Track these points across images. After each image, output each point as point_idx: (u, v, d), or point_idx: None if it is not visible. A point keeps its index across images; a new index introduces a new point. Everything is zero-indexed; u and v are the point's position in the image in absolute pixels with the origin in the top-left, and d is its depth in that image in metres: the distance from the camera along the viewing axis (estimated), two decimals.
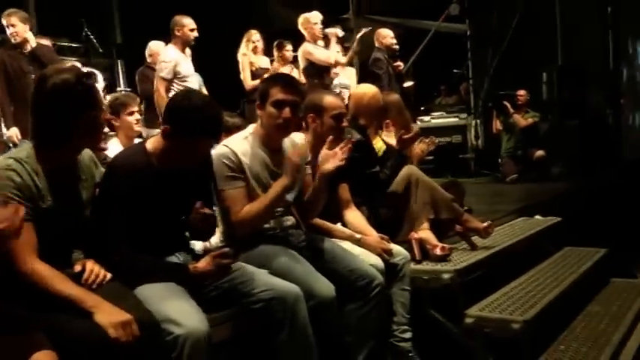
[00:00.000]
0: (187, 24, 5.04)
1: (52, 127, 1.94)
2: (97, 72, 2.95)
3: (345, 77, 6.12)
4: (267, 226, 2.55)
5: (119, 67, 7.39)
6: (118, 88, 7.17)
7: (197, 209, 2.24)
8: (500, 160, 7.61)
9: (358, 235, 2.83)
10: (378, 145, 3.50)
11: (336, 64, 5.76)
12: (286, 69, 6.01)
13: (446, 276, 2.93)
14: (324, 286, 2.32)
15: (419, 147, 3.73)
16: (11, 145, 4.45)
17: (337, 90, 5.66)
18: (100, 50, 6.77)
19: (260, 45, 6.09)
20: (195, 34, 5.09)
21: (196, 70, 5.34)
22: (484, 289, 3.17)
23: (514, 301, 3.01)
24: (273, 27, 6.88)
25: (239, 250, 2.41)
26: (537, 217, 4.55)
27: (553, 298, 3.11)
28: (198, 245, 2.68)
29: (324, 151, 2.56)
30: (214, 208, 2.47)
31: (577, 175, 6.80)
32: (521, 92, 7.53)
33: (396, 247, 2.86)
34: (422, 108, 8.48)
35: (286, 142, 2.64)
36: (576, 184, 6.27)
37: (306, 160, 2.69)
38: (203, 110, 2.12)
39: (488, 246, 3.44)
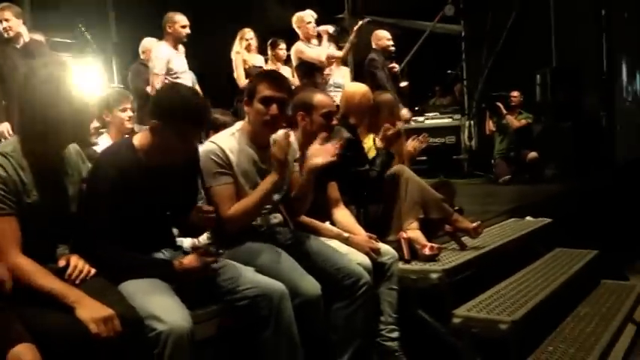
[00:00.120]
0: (179, 20, 5.05)
1: (37, 120, 1.93)
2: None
3: (339, 77, 6.10)
4: (254, 223, 2.54)
5: (113, 64, 7.37)
6: (112, 85, 7.15)
7: (199, 208, 2.25)
8: (493, 161, 7.61)
9: (346, 234, 2.83)
10: (369, 144, 3.49)
11: (330, 59, 5.75)
12: (286, 70, 6.03)
13: (434, 276, 2.93)
14: (310, 285, 2.32)
15: (411, 145, 3.73)
16: (2, 140, 4.43)
17: (331, 89, 5.66)
18: (95, 46, 6.75)
19: (254, 43, 6.09)
20: (187, 30, 5.09)
21: (193, 69, 5.34)
22: (474, 289, 3.16)
23: (503, 302, 3.00)
24: (270, 26, 6.88)
25: (225, 247, 2.41)
26: (528, 218, 4.55)
27: (542, 298, 3.10)
28: (187, 242, 2.68)
29: (315, 146, 2.55)
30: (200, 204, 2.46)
31: (570, 177, 6.81)
32: (515, 93, 7.54)
33: (384, 247, 2.86)
34: (416, 108, 8.48)
35: (273, 139, 2.63)
36: (569, 186, 6.28)
37: (295, 157, 2.68)
38: (188, 99, 2.14)
39: (478, 246, 3.44)
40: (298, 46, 5.65)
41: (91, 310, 1.76)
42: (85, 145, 2.50)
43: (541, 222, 4.40)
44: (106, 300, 1.83)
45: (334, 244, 2.74)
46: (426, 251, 3.09)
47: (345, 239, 2.80)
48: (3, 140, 4.42)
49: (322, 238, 2.75)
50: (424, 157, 6.79)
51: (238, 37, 6.05)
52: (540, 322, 3.08)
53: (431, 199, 3.26)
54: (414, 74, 7.78)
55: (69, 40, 6.79)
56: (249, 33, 6.08)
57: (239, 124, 2.62)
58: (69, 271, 1.96)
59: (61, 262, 1.99)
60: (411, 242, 3.12)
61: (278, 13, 7.15)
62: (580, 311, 3.54)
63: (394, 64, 6.21)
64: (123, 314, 1.81)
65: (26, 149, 1.95)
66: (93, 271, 2.00)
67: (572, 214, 5.13)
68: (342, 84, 5.97)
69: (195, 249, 2.41)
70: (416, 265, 3.06)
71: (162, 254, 2.26)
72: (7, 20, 4.61)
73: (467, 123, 8.56)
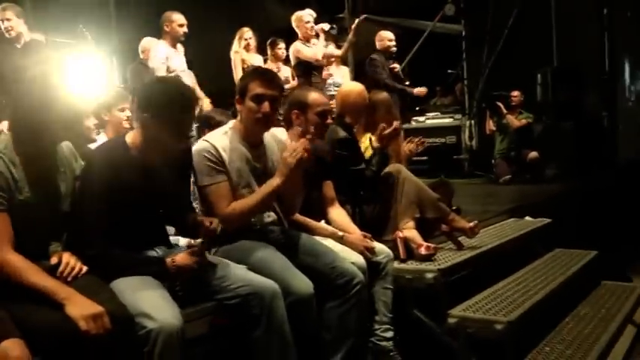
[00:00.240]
0: (176, 19, 5.08)
1: (29, 118, 1.93)
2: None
3: (339, 76, 6.10)
4: None
5: (114, 63, 7.40)
6: (115, 84, 7.16)
7: (207, 227, 2.23)
8: (493, 161, 7.59)
9: (341, 233, 2.82)
10: (365, 143, 3.48)
11: (328, 57, 5.75)
12: (286, 70, 6.02)
13: (429, 275, 2.91)
14: (302, 283, 2.30)
15: (407, 147, 3.73)
16: None
17: (330, 89, 5.66)
18: (95, 46, 6.77)
19: (252, 42, 6.09)
20: (185, 29, 5.12)
21: (193, 68, 5.34)
22: (471, 289, 3.15)
23: (499, 302, 2.99)
24: (270, 25, 6.88)
25: (218, 245, 2.40)
26: (527, 218, 4.53)
27: (540, 299, 3.09)
28: (182, 241, 2.67)
29: (291, 144, 2.50)
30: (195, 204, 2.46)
31: (571, 177, 6.78)
32: (515, 93, 7.51)
33: (379, 246, 2.85)
34: (417, 108, 8.47)
35: (267, 137, 2.63)
36: (570, 186, 6.24)
37: None
38: (174, 88, 2.16)
39: (475, 246, 3.42)
40: (296, 45, 5.66)
41: (81, 308, 1.76)
42: (81, 144, 2.50)
43: (540, 222, 4.38)
44: (96, 297, 1.82)
45: (328, 243, 2.73)
46: (422, 251, 3.08)
47: (339, 238, 2.79)
48: None
49: (316, 237, 2.74)
50: (425, 157, 6.78)
51: (237, 37, 6.05)
52: (538, 323, 3.07)
53: (427, 198, 3.25)
54: (415, 74, 7.77)
55: (69, 40, 6.80)
56: (247, 32, 6.08)
57: (231, 123, 2.62)
58: (61, 268, 1.96)
59: (53, 260, 1.99)
60: (407, 242, 3.11)
61: (277, 12, 7.16)
62: (579, 312, 3.52)
63: (395, 64, 6.21)
64: (113, 312, 1.80)
65: (18, 146, 1.95)
66: (85, 268, 2.00)
67: (573, 215, 5.11)
68: (342, 83, 5.98)
69: (189, 247, 2.40)
70: (411, 265, 3.04)
71: (156, 252, 2.25)
72: (8, 20, 4.63)
73: (467, 123, 8.53)
